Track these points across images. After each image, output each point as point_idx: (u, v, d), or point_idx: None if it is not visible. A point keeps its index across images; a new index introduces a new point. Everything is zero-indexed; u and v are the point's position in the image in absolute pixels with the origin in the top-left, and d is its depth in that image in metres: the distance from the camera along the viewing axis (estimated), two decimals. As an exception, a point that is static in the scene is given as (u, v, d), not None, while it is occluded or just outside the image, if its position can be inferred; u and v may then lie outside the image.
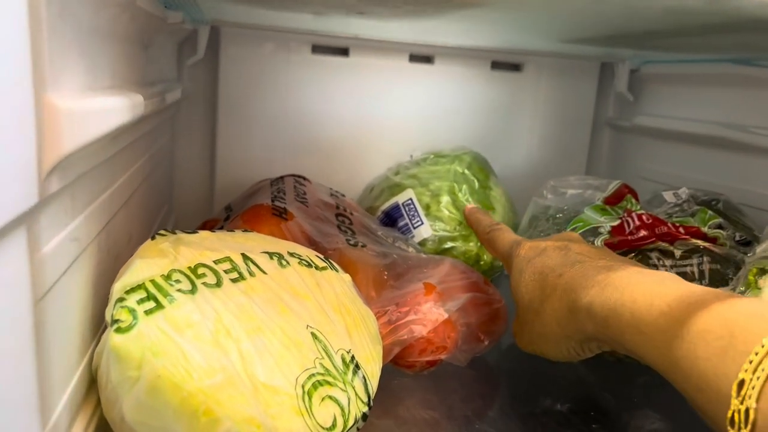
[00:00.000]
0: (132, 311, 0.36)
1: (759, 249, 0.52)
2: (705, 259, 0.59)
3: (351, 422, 0.40)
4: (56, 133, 0.28)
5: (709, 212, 0.62)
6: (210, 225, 0.67)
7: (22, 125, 0.25)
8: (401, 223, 0.76)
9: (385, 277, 0.58)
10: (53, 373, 0.33)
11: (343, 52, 0.91)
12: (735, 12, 0.40)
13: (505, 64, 0.97)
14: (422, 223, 0.75)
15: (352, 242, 0.60)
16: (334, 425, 0.39)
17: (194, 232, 0.46)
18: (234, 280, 0.42)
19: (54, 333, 0.33)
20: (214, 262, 0.42)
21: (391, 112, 0.94)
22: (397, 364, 0.56)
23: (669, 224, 0.60)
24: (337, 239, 0.60)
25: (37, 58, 0.26)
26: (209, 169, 0.92)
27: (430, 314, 0.54)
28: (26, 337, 0.28)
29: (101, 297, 0.43)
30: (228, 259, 0.43)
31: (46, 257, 0.30)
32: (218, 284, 0.40)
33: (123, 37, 0.45)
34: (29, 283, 0.28)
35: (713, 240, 0.60)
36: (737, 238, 0.61)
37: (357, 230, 0.65)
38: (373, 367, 0.45)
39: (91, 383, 0.40)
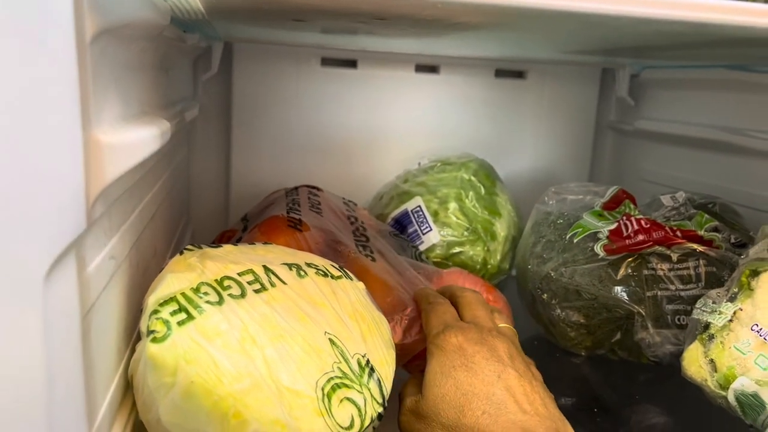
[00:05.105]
0: (166, 322, 0.39)
1: (752, 251, 0.55)
2: (701, 262, 0.61)
3: (368, 422, 0.43)
4: (100, 165, 0.31)
5: (706, 215, 0.65)
6: (228, 235, 0.71)
7: (73, 162, 0.28)
8: (411, 230, 0.79)
9: (394, 285, 0.61)
10: (97, 380, 0.36)
11: (352, 64, 0.94)
12: (719, 33, 0.43)
13: (508, 71, 1.00)
14: (431, 229, 0.78)
15: (364, 253, 0.63)
16: (351, 425, 0.42)
17: (218, 246, 0.49)
18: (257, 291, 0.45)
19: (97, 343, 0.36)
20: (238, 274, 0.45)
21: (398, 121, 0.97)
22: (407, 368, 0.59)
23: (666, 228, 0.63)
24: (350, 249, 0.63)
25: (84, 100, 0.29)
26: (224, 180, 0.95)
27: None
28: (76, 349, 0.32)
29: (133, 308, 0.46)
30: (251, 271, 0.46)
31: (91, 276, 0.34)
32: (243, 295, 0.44)
33: (148, 66, 0.48)
34: (78, 300, 0.31)
35: (709, 243, 0.63)
36: (733, 241, 0.63)
37: (371, 240, 0.68)
38: (386, 370, 0.48)
39: (127, 388, 0.43)
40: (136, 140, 0.35)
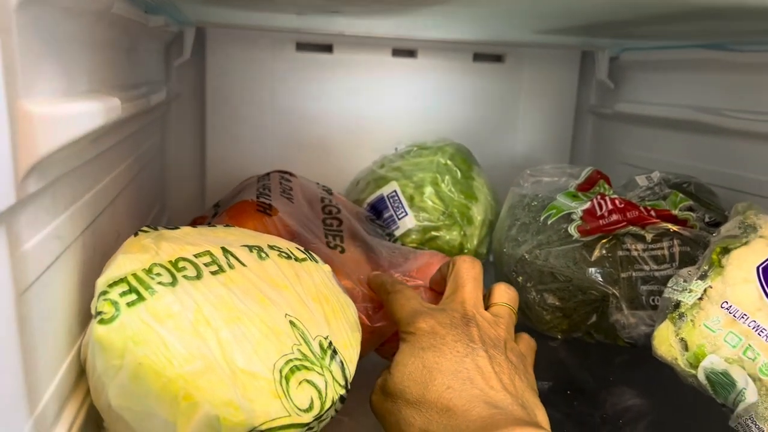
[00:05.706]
0: (114, 303, 0.38)
1: (723, 228, 0.54)
2: (675, 242, 0.61)
3: (328, 404, 0.42)
4: (31, 137, 0.30)
5: (680, 195, 0.64)
6: (199, 222, 0.69)
7: (-4, 131, 0.27)
8: (386, 215, 0.78)
9: (366, 269, 0.60)
10: (40, 363, 0.35)
11: (327, 48, 0.93)
12: (684, 1, 0.42)
13: (487, 55, 0.99)
14: (406, 214, 0.77)
15: (332, 245, 0.62)
16: (311, 407, 0.41)
17: (176, 228, 0.48)
18: (214, 273, 0.43)
19: (40, 324, 0.35)
20: (195, 255, 0.44)
21: (376, 106, 0.96)
22: (380, 352, 0.58)
23: (641, 208, 0.62)
24: (318, 239, 0.62)
25: (9, 67, 0.28)
26: (200, 167, 0.94)
27: None
28: (10, 328, 0.30)
29: (88, 292, 0.44)
30: (208, 252, 0.45)
31: (28, 253, 0.32)
32: (198, 277, 0.42)
33: (102, 43, 0.47)
34: (10, 278, 0.30)
35: (683, 222, 0.62)
36: (707, 220, 0.63)
37: (344, 223, 0.67)
38: (351, 353, 0.47)
39: (81, 373, 0.42)
40: (74, 114, 0.34)
